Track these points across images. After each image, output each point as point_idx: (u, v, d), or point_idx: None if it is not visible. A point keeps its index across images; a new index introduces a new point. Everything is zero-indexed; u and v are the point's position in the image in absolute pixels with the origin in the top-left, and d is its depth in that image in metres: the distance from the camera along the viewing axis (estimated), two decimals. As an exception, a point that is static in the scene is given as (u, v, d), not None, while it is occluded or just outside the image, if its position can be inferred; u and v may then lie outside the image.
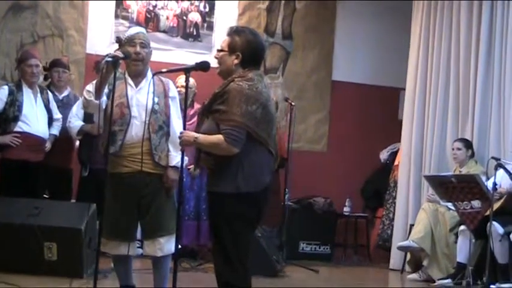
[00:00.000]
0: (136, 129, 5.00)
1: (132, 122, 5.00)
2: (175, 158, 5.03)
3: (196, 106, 7.44)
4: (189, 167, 5.92)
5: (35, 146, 6.89)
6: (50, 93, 7.16)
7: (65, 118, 7.22)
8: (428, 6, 8.78)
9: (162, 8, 9.21)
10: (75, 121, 7.13)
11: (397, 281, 8.16)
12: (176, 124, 5.09)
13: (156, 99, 5.04)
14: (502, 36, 8.00)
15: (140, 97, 5.03)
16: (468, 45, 8.29)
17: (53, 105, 7.14)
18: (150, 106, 4.97)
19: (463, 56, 8.34)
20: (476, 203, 7.13)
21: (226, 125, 4.09)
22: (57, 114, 7.16)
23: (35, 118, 6.90)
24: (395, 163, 9.23)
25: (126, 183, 4.99)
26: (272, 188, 4.36)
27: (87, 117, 6.94)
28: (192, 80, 7.65)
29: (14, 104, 6.83)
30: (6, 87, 6.91)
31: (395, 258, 8.60)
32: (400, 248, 8.15)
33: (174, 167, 5.04)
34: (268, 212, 4.38)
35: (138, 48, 5.02)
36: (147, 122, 4.98)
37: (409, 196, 8.66)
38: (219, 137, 4.09)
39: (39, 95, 6.99)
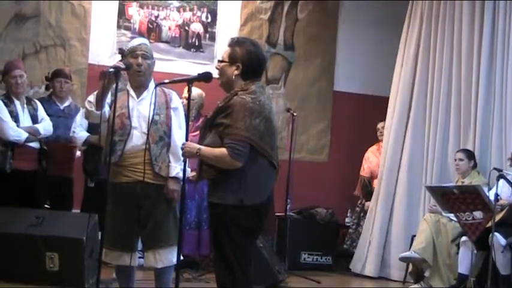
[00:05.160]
0: (136, 139, 5.02)
1: (132, 132, 5.02)
2: (175, 168, 5.04)
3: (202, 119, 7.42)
4: (191, 176, 5.95)
5: (26, 154, 6.85)
6: (38, 103, 7.09)
7: (66, 128, 7.21)
8: (428, 13, 8.79)
9: (164, 18, 9.21)
10: (80, 131, 7.12)
11: (398, 292, 8.16)
12: (177, 135, 5.09)
13: (157, 110, 5.05)
14: (503, 46, 8.00)
15: (141, 108, 5.05)
16: (470, 55, 8.28)
17: (40, 112, 7.03)
18: (151, 117, 4.98)
19: (464, 66, 8.34)
20: (478, 214, 7.11)
21: (230, 138, 4.10)
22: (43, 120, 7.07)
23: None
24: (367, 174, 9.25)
25: (126, 192, 4.99)
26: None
27: (92, 128, 6.93)
28: (199, 91, 7.65)
29: (12, 115, 6.83)
30: (0, 102, 6.86)
31: (397, 269, 8.59)
32: (402, 259, 8.13)
33: (174, 177, 5.04)
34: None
35: (139, 60, 5.04)
36: (147, 132, 4.99)
37: (411, 207, 8.65)
38: (222, 151, 4.10)
39: (25, 105, 6.97)
